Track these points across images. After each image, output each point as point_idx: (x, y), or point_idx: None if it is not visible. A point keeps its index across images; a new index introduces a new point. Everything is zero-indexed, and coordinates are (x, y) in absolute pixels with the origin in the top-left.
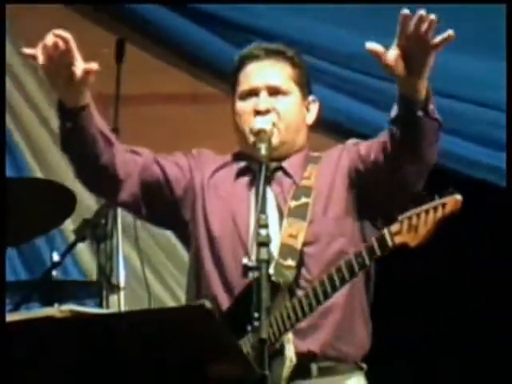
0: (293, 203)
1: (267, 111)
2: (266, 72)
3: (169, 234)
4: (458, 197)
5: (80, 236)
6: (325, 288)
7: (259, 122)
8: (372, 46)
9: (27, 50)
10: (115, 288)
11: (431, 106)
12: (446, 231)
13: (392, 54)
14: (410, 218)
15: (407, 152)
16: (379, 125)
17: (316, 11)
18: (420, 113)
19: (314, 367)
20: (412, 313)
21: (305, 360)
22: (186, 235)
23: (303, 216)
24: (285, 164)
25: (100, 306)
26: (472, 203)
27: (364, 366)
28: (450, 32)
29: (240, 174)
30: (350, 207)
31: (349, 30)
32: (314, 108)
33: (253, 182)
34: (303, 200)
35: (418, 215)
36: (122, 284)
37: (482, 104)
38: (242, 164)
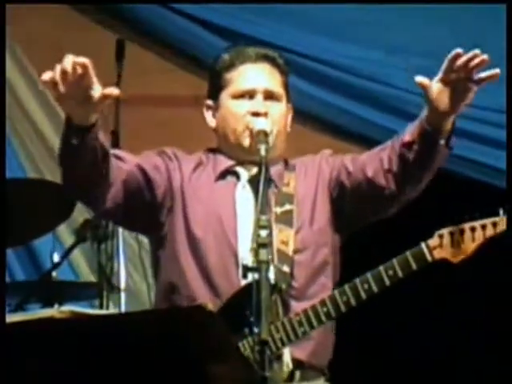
0: (278, 209)
1: (265, 114)
2: (263, 76)
3: None
4: (505, 217)
5: (81, 237)
6: (348, 298)
7: (260, 123)
8: (420, 79)
9: (45, 77)
10: (115, 289)
11: (453, 138)
12: None
13: (436, 88)
14: (452, 234)
15: (413, 176)
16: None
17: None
18: (442, 142)
19: (297, 373)
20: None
21: (292, 366)
22: (159, 238)
23: (290, 223)
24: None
25: (100, 306)
26: (472, 204)
27: (327, 372)
28: (497, 70)
29: (222, 175)
30: (330, 218)
31: (330, 39)
32: (290, 115)
33: (236, 184)
34: (287, 207)
35: (462, 231)
36: (122, 285)
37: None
38: (223, 165)
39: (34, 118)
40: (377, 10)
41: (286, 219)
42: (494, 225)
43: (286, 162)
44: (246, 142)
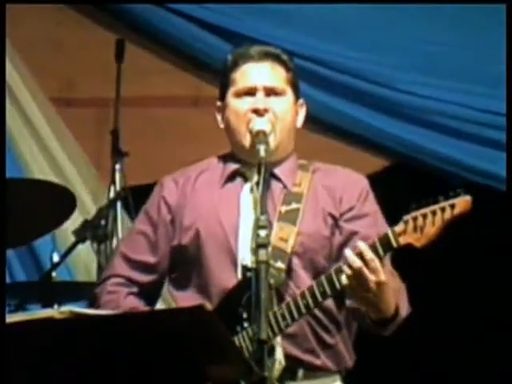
0: (283, 208)
1: (265, 110)
2: (264, 73)
3: None
4: (468, 198)
5: (80, 237)
6: (324, 289)
7: (258, 123)
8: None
9: None
10: None
11: (403, 314)
12: (445, 234)
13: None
14: (415, 219)
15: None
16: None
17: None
18: (389, 330)
19: (300, 371)
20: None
21: (292, 364)
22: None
23: (293, 221)
24: (276, 170)
25: None
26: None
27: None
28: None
29: (230, 177)
30: (333, 229)
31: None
32: (303, 111)
33: (242, 186)
34: (294, 205)
35: (425, 216)
36: None
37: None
38: (231, 168)
39: (33, 121)
40: (376, 10)
41: (291, 217)
42: (452, 207)
43: (298, 162)
44: (247, 143)
